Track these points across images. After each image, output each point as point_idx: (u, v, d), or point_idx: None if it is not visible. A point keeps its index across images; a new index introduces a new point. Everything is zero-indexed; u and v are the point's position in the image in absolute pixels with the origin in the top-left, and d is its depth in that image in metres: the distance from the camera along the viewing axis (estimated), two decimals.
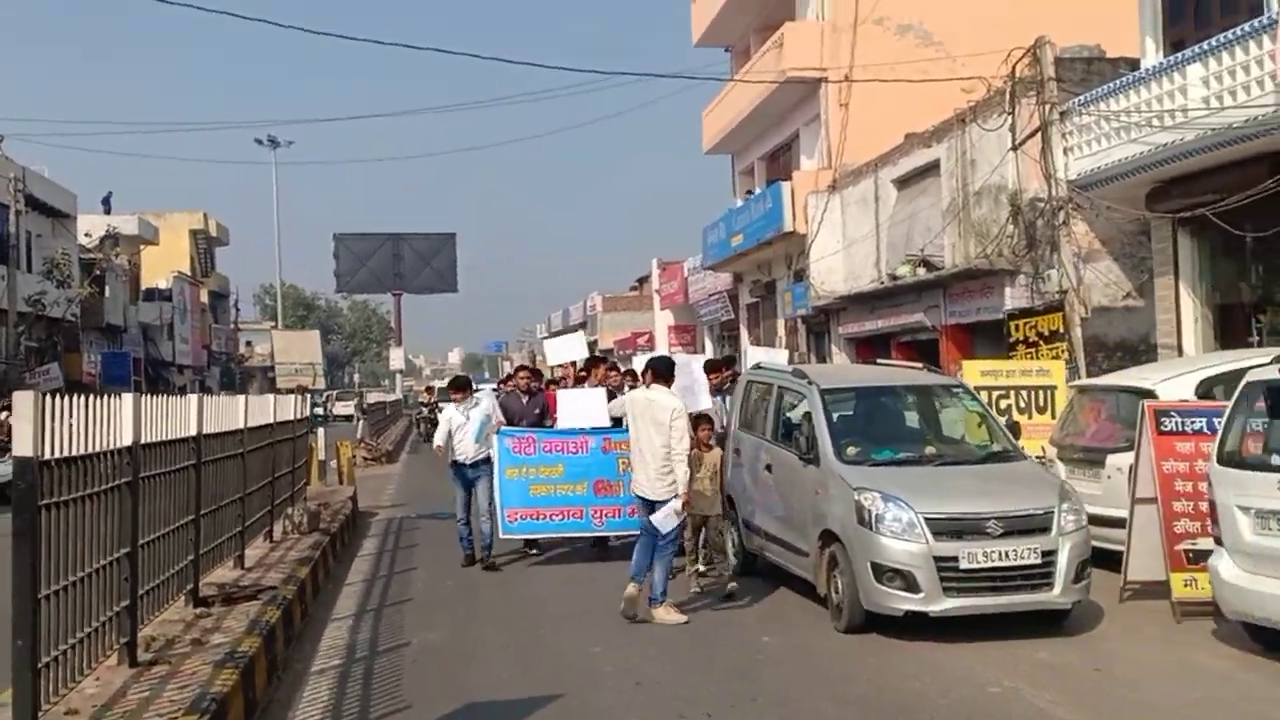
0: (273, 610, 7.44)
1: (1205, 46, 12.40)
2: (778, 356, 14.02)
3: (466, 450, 10.76)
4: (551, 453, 10.64)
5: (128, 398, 5.85)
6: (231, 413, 8.82)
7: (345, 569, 10.97)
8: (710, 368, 11.37)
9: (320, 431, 16.48)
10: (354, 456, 16.79)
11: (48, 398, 4.60)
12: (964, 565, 7.09)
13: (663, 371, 8.39)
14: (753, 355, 15.17)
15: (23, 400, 4.38)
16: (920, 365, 9.93)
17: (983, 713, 5.90)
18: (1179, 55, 13.03)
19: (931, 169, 21.11)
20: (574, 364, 12.99)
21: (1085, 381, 10.64)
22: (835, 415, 8.42)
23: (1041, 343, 15.10)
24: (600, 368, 12.17)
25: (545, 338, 79.25)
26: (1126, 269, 17.28)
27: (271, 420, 10.63)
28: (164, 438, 6.58)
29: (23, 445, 4.37)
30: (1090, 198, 15.17)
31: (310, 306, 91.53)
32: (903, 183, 22.53)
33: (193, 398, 7.50)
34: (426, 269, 50.81)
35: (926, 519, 7.17)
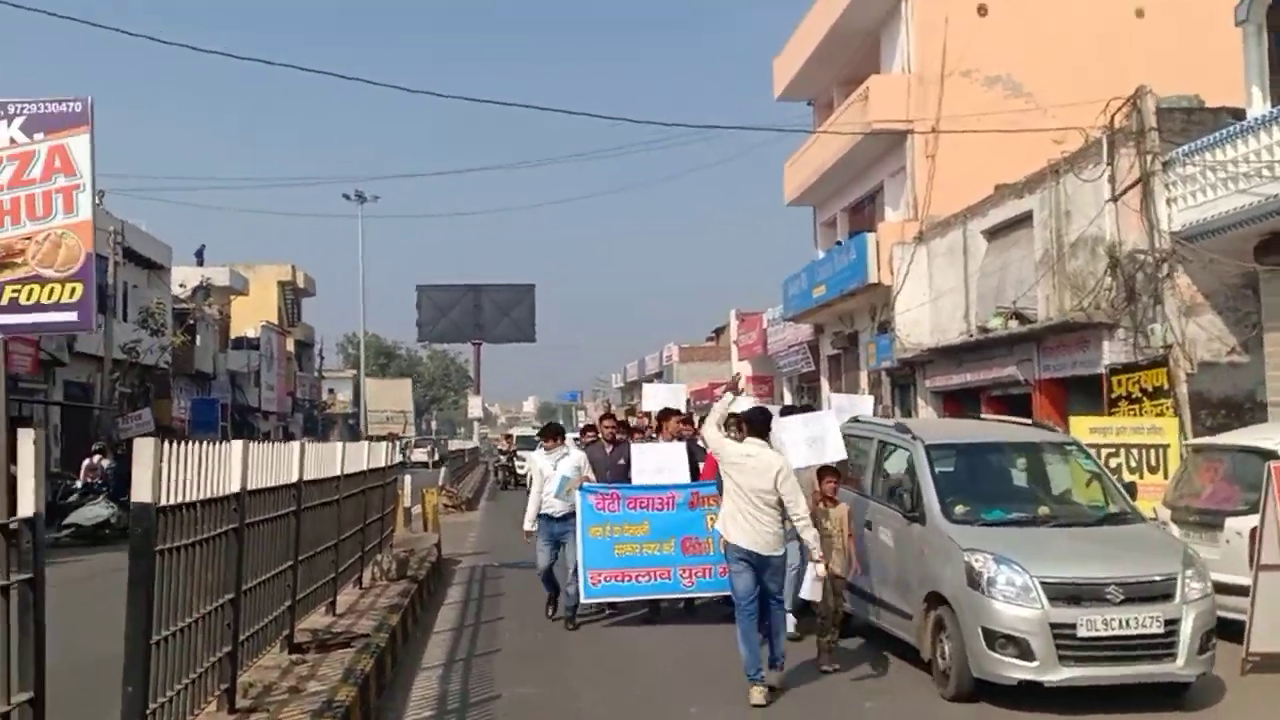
0: (366, 659, 7.39)
1: None
2: (862, 404, 13.62)
3: (552, 504, 10.24)
4: (637, 509, 10.00)
5: (236, 444, 5.86)
6: (329, 460, 8.86)
7: (433, 617, 10.89)
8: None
9: (407, 479, 16.56)
10: (439, 504, 16.83)
11: (166, 445, 4.60)
12: (1082, 633, 6.74)
13: (758, 424, 7.72)
14: (835, 403, 14.68)
15: (143, 447, 4.38)
16: (1028, 421, 9.60)
17: None
18: None
19: (1023, 220, 20.71)
20: (648, 413, 12.12)
21: (1201, 441, 10.21)
22: (940, 472, 8.15)
23: (1145, 399, 14.59)
24: (671, 420, 11.34)
25: (621, 387, 79.45)
26: (1230, 323, 16.67)
27: (365, 467, 10.66)
28: (268, 484, 6.59)
29: (141, 491, 4.37)
30: (1195, 250, 14.71)
31: (391, 355, 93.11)
32: (993, 234, 22.15)
33: (295, 445, 7.53)
34: (505, 319, 51.25)
35: (1043, 583, 6.84)
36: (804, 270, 30.61)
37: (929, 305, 24.33)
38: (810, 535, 7.25)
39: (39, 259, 3.88)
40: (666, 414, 11.61)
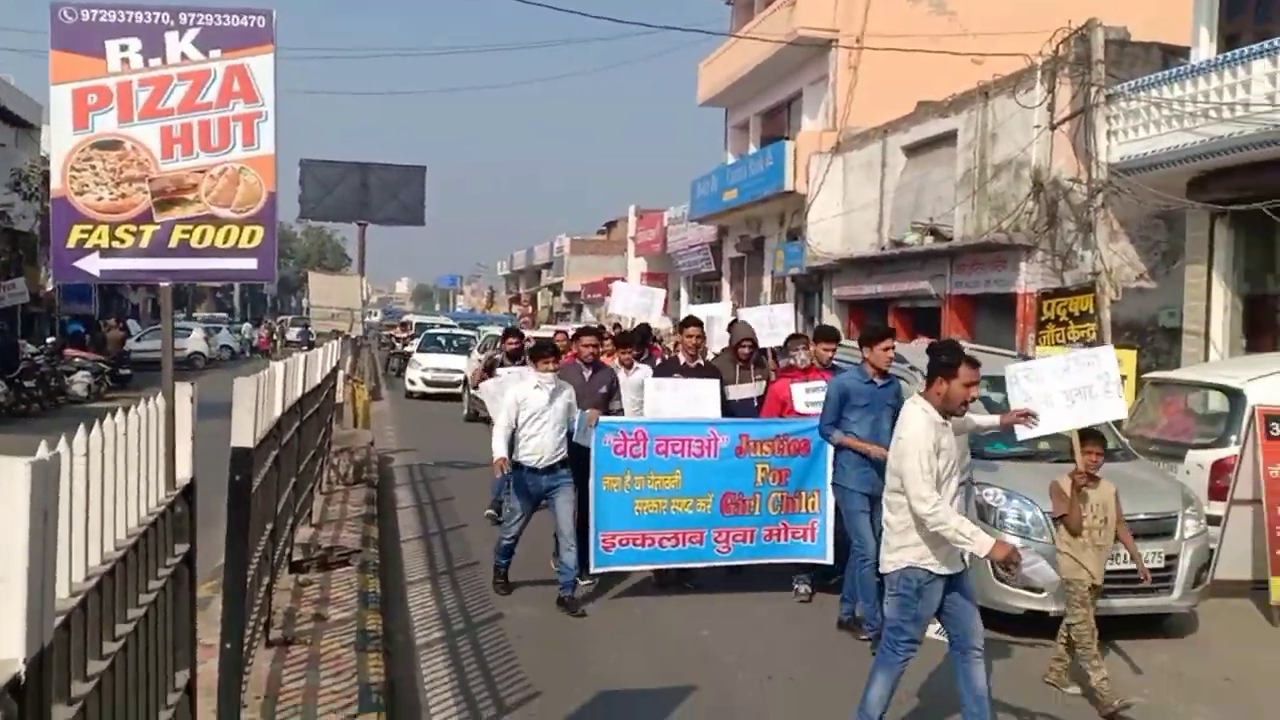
0: (371, 579, 7.19)
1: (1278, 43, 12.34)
2: (781, 314, 12.71)
3: (543, 448, 7.78)
4: (667, 454, 7.85)
5: (278, 366, 5.49)
6: (312, 367, 8.44)
7: (392, 520, 10.60)
8: (685, 324, 8.92)
9: (339, 374, 16.04)
10: (368, 400, 16.39)
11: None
12: (1123, 565, 6.99)
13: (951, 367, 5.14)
14: (754, 317, 12.96)
15: (244, 386, 4.03)
16: (1014, 353, 9.78)
17: None
18: (1245, 50, 12.96)
19: (946, 139, 20.98)
20: (697, 328, 8.87)
21: (1162, 375, 10.63)
22: None
23: (1071, 322, 15.15)
24: (692, 329, 8.83)
25: (507, 274, 77.95)
26: (1141, 251, 17.40)
27: (330, 370, 10.24)
28: (290, 402, 6.24)
29: (243, 435, 4.02)
30: (1130, 182, 15.13)
31: None
32: (912, 150, 22.39)
33: (299, 357, 7.13)
34: (393, 201, 49.33)
35: (1053, 518, 7.06)
36: (714, 172, 30.47)
37: (842, 216, 24.58)
38: (950, 530, 4.88)
39: (213, 196, 3.38)
40: (687, 324, 9.07)
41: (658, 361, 9.61)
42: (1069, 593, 6.31)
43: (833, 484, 7.52)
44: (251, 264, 3.84)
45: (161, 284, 3.88)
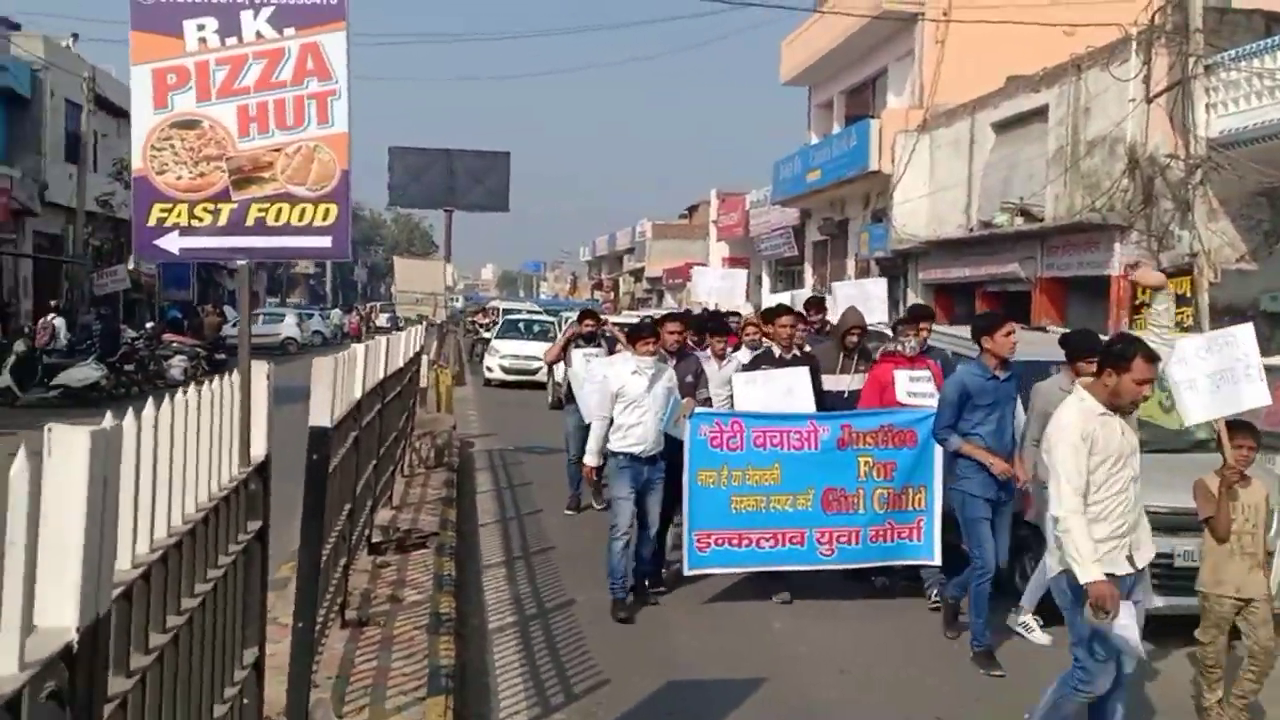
0: (448, 562, 7.27)
1: None
2: (874, 289, 12.53)
3: (646, 436, 7.24)
4: (766, 447, 7.36)
5: (359, 349, 5.57)
6: (395, 351, 8.56)
7: (471, 504, 10.72)
8: (776, 313, 8.40)
9: (423, 358, 16.28)
10: (451, 385, 16.60)
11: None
12: (1179, 564, 6.75)
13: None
14: (842, 292, 12.92)
15: (323, 367, 4.08)
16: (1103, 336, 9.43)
17: None
18: None
19: (1037, 115, 20.42)
20: (790, 316, 8.39)
21: (1266, 360, 10.20)
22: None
23: None
24: (784, 319, 8.25)
25: (590, 260, 78.41)
26: (1242, 231, 16.72)
27: (413, 354, 10.38)
28: (371, 384, 6.33)
29: (320, 414, 4.08)
30: (1230, 158, 14.55)
31: (354, 217, 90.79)
32: (1002, 127, 21.84)
33: (381, 340, 7.23)
34: (479, 187, 49.90)
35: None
36: (798, 153, 30.13)
37: (928, 197, 24.11)
38: (1072, 541, 4.63)
39: (289, 175, 3.45)
40: (777, 313, 8.48)
41: (730, 349, 9.21)
42: (1204, 608, 5.74)
43: (951, 488, 7.01)
44: (326, 242, 3.87)
45: (239, 261, 3.94)
